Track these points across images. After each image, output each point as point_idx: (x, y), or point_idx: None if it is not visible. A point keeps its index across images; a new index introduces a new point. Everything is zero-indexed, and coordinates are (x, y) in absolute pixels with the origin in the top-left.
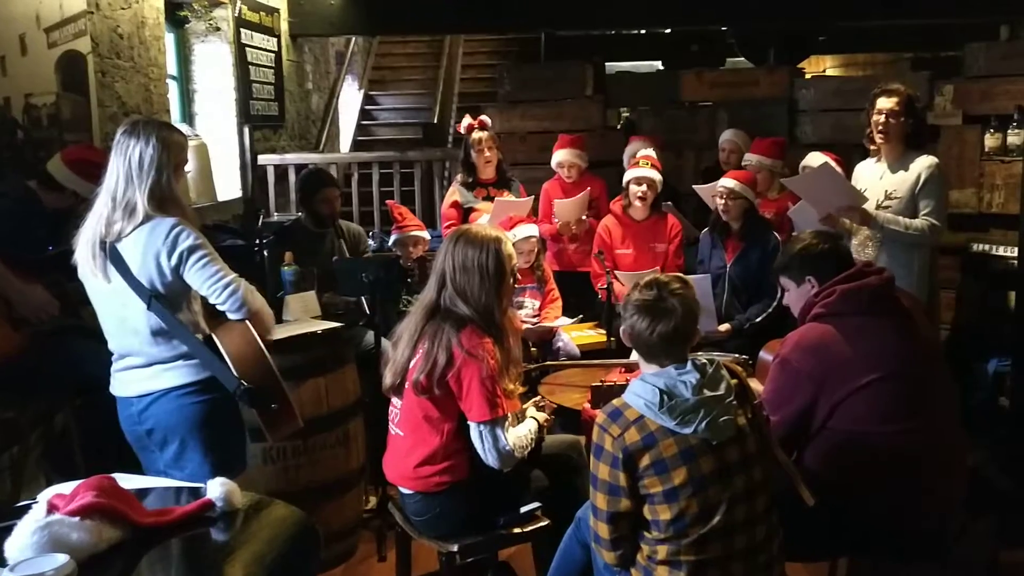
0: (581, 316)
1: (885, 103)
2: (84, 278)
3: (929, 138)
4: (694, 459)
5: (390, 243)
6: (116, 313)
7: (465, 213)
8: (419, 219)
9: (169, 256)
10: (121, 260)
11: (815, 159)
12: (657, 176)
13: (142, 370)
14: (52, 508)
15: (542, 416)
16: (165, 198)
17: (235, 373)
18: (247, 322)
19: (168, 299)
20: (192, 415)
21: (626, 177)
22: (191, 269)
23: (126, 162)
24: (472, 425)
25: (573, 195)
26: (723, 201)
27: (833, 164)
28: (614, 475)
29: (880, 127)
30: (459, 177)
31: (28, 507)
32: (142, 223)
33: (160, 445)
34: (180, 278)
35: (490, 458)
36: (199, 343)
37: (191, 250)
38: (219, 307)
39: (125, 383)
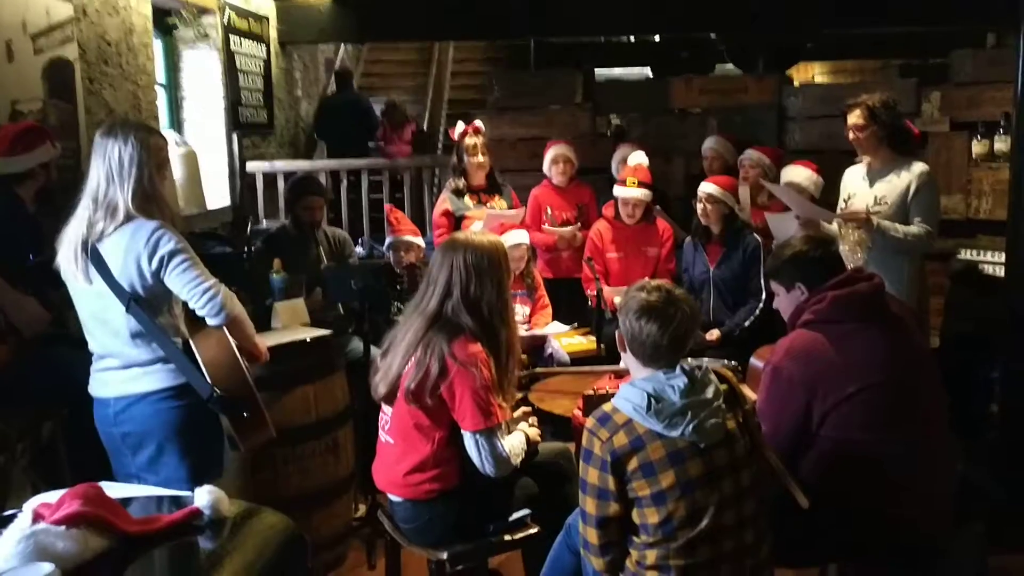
0: (576, 324)
1: (850, 119)
2: (67, 279)
3: (915, 140)
4: (682, 462)
5: (384, 247)
6: (97, 314)
7: (457, 221)
8: None
9: (150, 260)
10: (102, 261)
11: (794, 173)
12: (644, 194)
13: (120, 372)
14: (38, 517)
15: (533, 432)
16: (148, 198)
17: (208, 380)
18: (224, 329)
19: (148, 302)
20: (170, 420)
21: (615, 192)
22: (171, 273)
23: (106, 163)
24: (467, 435)
25: (563, 199)
26: (702, 205)
27: (799, 188)
28: (603, 479)
29: (853, 141)
30: (450, 183)
31: (13, 516)
32: (124, 223)
33: (134, 449)
34: (160, 282)
35: (487, 466)
36: (175, 348)
37: (172, 254)
38: (198, 312)
39: (104, 384)
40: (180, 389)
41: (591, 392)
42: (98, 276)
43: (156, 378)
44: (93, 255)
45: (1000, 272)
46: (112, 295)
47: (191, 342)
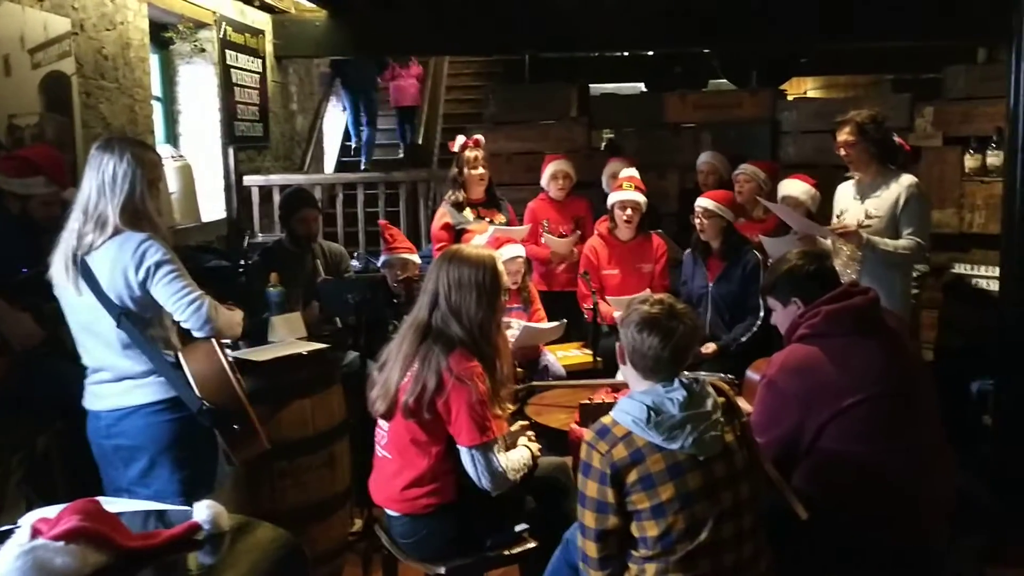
0: (565, 320)
1: (839, 136)
2: (58, 291)
3: (905, 156)
4: (681, 475)
5: (379, 264)
6: (88, 326)
7: (457, 235)
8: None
9: (136, 270)
10: (91, 274)
11: (792, 186)
12: (642, 198)
13: (114, 384)
14: (36, 532)
15: (535, 446)
16: (138, 213)
17: (197, 393)
18: (213, 341)
19: (138, 315)
20: (162, 433)
21: (611, 200)
22: (157, 284)
23: (99, 176)
24: (463, 450)
25: (560, 213)
26: (699, 220)
27: (796, 202)
28: (602, 492)
29: (844, 158)
30: (449, 196)
31: (11, 531)
32: (112, 236)
33: (126, 462)
34: (148, 293)
35: (483, 481)
36: (165, 361)
37: (158, 265)
38: (183, 324)
39: (97, 397)
40: (173, 402)
41: (587, 401)
42: (88, 289)
43: (149, 391)
44: (82, 268)
45: (993, 285)
46: (102, 308)
47: (180, 355)
